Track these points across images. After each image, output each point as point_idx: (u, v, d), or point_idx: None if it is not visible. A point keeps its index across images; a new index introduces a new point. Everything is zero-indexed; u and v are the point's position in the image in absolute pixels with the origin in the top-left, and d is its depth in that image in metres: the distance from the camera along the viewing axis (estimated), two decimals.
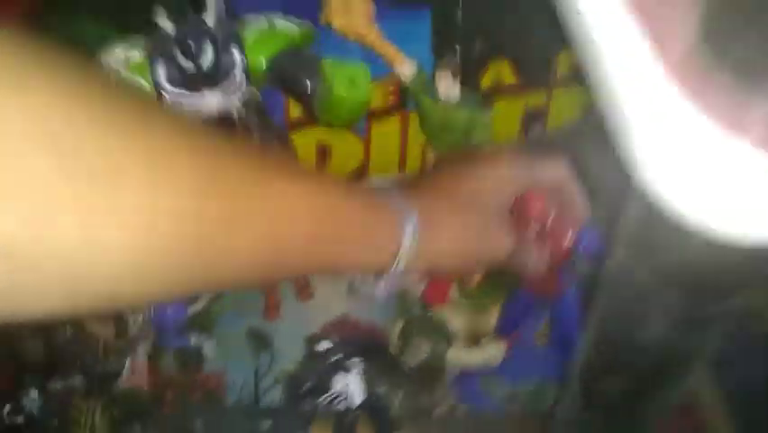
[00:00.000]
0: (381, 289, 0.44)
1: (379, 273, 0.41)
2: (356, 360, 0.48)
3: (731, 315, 0.26)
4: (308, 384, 0.48)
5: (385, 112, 0.55)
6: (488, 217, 0.43)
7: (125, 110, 0.25)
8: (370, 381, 0.48)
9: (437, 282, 0.54)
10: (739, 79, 0.16)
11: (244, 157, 0.31)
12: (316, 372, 0.48)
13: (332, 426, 0.48)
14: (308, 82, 0.46)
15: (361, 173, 0.60)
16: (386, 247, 0.39)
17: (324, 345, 0.50)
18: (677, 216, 0.16)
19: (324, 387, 0.47)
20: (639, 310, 0.28)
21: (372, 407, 0.47)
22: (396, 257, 0.39)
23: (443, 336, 0.52)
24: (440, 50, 0.49)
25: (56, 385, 0.51)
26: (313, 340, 0.51)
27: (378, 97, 0.54)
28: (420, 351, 0.51)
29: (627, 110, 0.17)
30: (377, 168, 0.59)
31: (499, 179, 0.44)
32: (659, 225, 0.17)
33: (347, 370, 0.48)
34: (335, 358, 0.48)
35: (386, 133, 0.57)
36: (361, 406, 0.48)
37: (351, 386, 0.48)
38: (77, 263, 0.23)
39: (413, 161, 0.58)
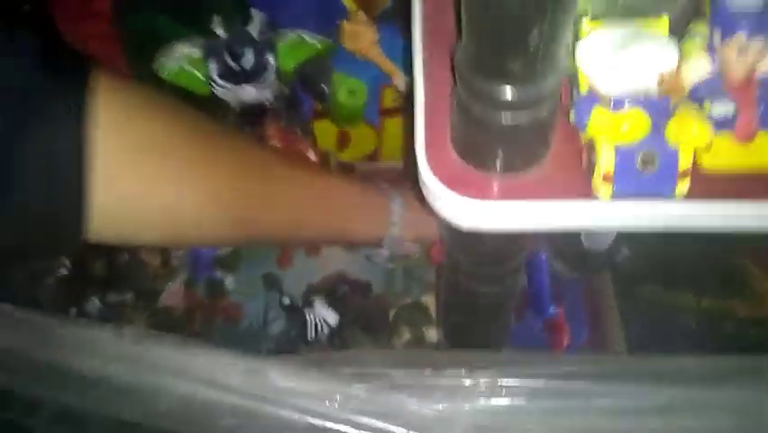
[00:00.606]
0: (382, 254, 0.58)
1: (377, 242, 0.54)
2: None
3: None
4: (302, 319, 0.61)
5: (394, 111, 0.67)
6: None
7: (199, 129, 0.40)
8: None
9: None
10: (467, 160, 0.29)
11: (275, 159, 0.47)
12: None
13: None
14: (324, 87, 0.59)
15: (373, 157, 0.72)
16: (379, 220, 0.53)
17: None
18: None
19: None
20: None
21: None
22: (388, 227, 0.53)
23: (427, 320, 0.63)
24: None
25: (112, 298, 0.65)
26: (312, 288, 0.65)
27: (389, 99, 0.66)
28: (404, 335, 0.62)
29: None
30: (387, 154, 0.71)
31: None
32: None
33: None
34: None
35: (394, 127, 0.69)
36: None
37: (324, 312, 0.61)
38: (173, 216, 0.38)
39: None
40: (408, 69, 0.58)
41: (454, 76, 0.28)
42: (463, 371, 0.33)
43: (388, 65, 0.58)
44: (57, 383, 0.40)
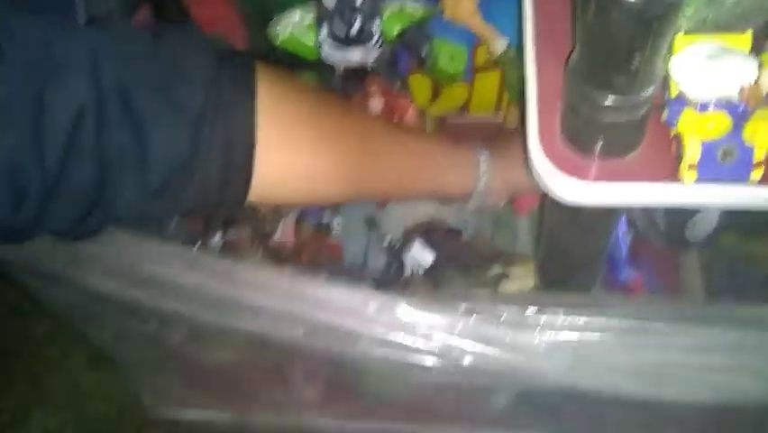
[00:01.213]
0: (471, 204, 0.64)
1: (467, 195, 0.60)
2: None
3: None
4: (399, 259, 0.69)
5: (486, 68, 0.72)
6: None
7: (330, 104, 0.48)
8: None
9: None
10: (573, 146, 0.35)
11: (380, 125, 0.55)
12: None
13: None
14: (423, 50, 0.64)
15: (463, 110, 0.77)
16: (468, 175, 0.59)
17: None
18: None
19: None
20: None
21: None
22: (476, 181, 0.59)
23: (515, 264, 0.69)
24: None
25: (232, 235, 0.74)
26: (409, 231, 0.72)
27: (481, 57, 0.71)
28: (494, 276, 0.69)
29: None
30: (476, 107, 0.76)
31: None
32: None
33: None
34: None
35: (485, 83, 0.74)
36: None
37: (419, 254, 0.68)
38: (314, 181, 0.45)
39: (504, 107, 0.75)
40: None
41: (564, 77, 0.34)
42: (562, 310, 0.41)
43: (486, 31, 0.63)
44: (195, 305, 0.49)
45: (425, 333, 0.41)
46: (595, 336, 0.40)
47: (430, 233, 0.70)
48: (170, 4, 0.67)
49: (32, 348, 1.17)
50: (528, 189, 0.60)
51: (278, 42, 0.65)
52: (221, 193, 0.41)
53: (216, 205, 0.42)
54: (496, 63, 0.71)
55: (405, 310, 0.42)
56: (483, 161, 0.59)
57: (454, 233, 0.70)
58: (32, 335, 1.17)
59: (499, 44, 0.64)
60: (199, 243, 0.75)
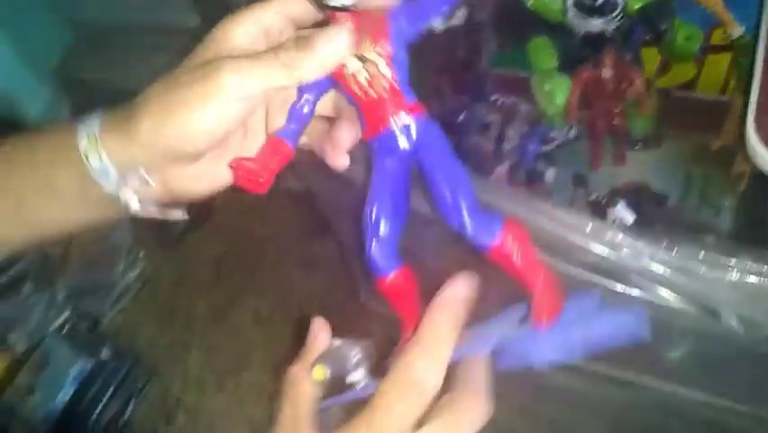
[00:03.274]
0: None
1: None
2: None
3: None
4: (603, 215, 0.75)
5: (720, 48, 0.76)
6: None
7: None
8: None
9: None
10: None
11: None
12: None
13: None
14: (663, 27, 0.69)
15: (689, 87, 0.81)
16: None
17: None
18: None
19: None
20: None
21: None
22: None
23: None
24: None
25: None
26: (615, 190, 0.78)
27: (716, 38, 0.74)
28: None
29: None
30: (703, 86, 0.80)
31: None
32: None
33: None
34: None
35: (716, 64, 0.77)
36: None
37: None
38: None
39: (730, 89, 0.78)
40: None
41: None
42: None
43: (726, 15, 0.66)
44: None
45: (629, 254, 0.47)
46: None
47: (636, 195, 0.76)
48: None
49: (253, 247, 1.38)
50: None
51: (528, 4, 0.73)
52: None
53: None
54: (728, 47, 0.74)
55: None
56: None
57: (659, 198, 0.75)
58: (252, 235, 1.38)
59: (736, 30, 0.67)
60: None
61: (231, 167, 0.36)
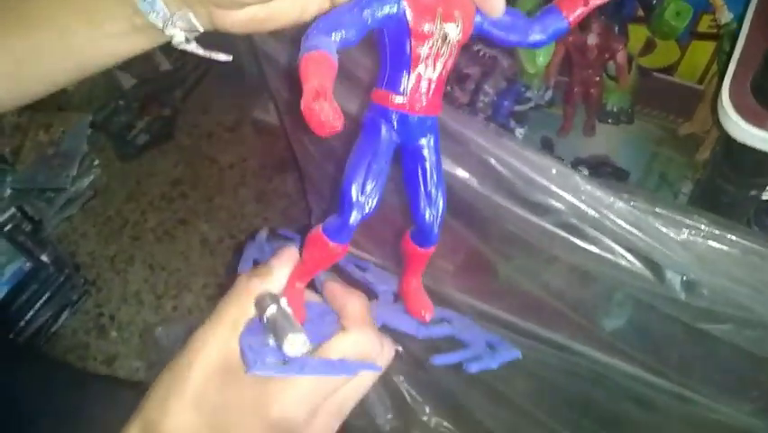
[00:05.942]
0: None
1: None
2: None
3: None
4: None
5: (706, 36, 0.76)
6: None
7: None
8: None
9: None
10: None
11: None
12: None
13: None
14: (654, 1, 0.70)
15: (670, 71, 0.82)
16: None
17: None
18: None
19: None
20: None
21: None
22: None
23: None
24: None
25: None
26: (579, 159, 0.79)
27: (703, 25, 0.75)
28: None
29: None
30: (684, 72, 0.81)
31: None
32: None
33: None
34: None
35: (699, 51, 0.78)
36: None
37: None
38: None
39: (708, 80, 0.79)
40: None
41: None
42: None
43: (718, 1, 0.67)
44: None
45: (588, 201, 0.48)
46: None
47: (598, 167, 0.77)
48: None
49: (212, 172, 1.36)
50: None
51: None
52: None
53: None
54: (713, 36, 0.75)
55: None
56: None
57: (621, 173, 0.76)
58: (213, 161, 1.37)
59: (725, 15, 0.68)
60: None
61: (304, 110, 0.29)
